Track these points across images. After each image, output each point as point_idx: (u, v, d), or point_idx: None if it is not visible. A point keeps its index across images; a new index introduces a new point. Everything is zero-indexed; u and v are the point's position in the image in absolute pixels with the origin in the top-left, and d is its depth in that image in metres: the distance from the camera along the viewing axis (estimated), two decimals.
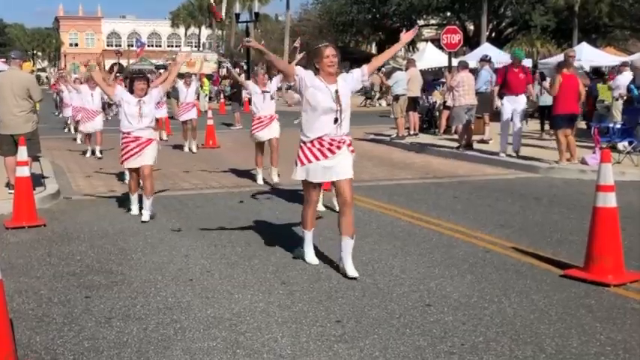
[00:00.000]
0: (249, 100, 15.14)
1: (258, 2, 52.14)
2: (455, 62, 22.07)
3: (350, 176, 6.55)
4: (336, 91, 6.42)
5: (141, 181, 9.54)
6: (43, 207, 9.69)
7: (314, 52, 6.60)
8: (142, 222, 8.93)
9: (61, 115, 24.04)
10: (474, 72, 18.71)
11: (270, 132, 12.01)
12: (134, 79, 9.48)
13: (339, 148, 6.51)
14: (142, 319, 5.35)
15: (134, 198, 9.59)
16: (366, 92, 37.29)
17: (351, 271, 6.35)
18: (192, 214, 9.49)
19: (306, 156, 6.55)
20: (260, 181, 12.16)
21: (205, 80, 33.95)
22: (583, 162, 12.99)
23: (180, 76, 17.28)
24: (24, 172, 8.95)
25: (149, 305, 5.67)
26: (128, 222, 8.95)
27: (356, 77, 6.70)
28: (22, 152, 9.04)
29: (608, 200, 6.22)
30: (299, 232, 8.31)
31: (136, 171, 9.44)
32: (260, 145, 12.18)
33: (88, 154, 16.71)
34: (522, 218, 9.08)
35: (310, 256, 6.89)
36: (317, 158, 6.51)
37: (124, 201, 10.14)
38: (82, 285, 6.25)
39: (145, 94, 9.33)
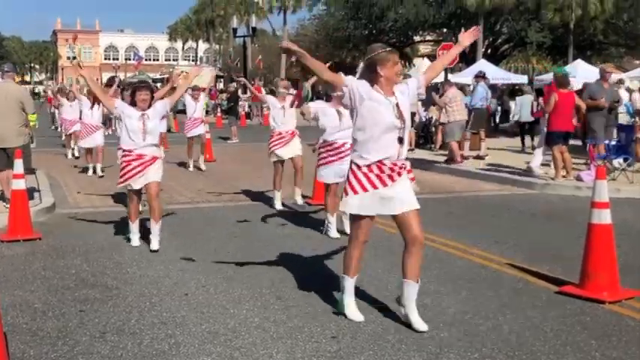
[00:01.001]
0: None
1: (256, 17, 52.27)
2: (451, 78, 22.19)
3: (417, 207, 5.48)
4: (397, 105, 5.42)
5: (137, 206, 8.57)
6: (39, 220, 9.67)
7: (376, 58, 5.44)
8: (152, 251, 8.05)
9: (59, 130, 23.43)
10: (463, 89, 18.81)
11: (292, 150, 11.02)
12: (136, 89, 8.33)
13: (399, 174, 5.45)
14: (137, 334, 5.33)
15: (135, 226, 8.46)
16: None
17: (420, 323, 5.38)
18: (188, 229, 9.48)
19: (361, 183, 5.42)
20: (279, 205, 11.03)
21: (202, 94, 34.03)
22: (578, 178, 13.02)
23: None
24: (20, 185, 8.94)
25: (144, 320, 5.66)
26: (124, 236, 8.93)
27: (412, 89, 5.68)
28: (19, 165, 9.03)
29: (603, 217, 6.23)
30: (295, 247, 8.32)
31: (137, 193, 8.39)
32: (280, 165, 11.08)
33: (90, 172, 15.48)
34: (518, 234, 9.08)
35: (352, 310, 5.67)
36: (374, 186, 5.41)
37: (120, 214, 10.12)
38: (77, 299, 6.23)
39: (149, 106, 8.24)
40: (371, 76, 5.44)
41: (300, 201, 11.14)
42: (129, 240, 8.44)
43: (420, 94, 5.85)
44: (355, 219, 5.59)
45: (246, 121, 36.66)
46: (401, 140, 5.42)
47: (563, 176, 13.13)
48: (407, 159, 5.61)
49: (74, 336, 5.29)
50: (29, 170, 11.54)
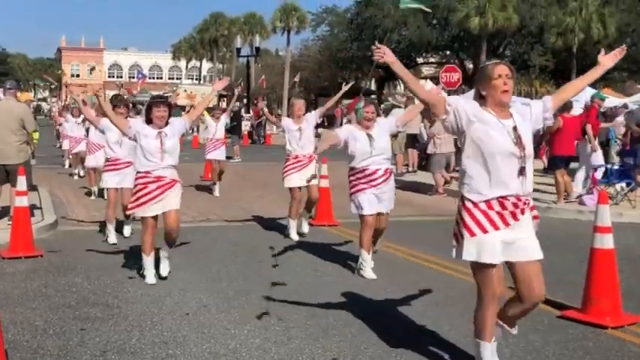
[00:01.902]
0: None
1: (259, 37, 52.59)
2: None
3: (541, 256, 4.63)
4: (514, 129, 4.55)
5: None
6: (41, 237, 9.67)
7: (479, 73, 4.78)
8: (162, 278, 7.57)
9: (61, 147, 22.89)
10: None
11: (306, 175, 10.24)
12: (152, 105, 7.52)
13: (522, 212, 4.59)
14: (138, 353, 5.32)
15: (149, 261, 7.54)
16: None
17: None
18: (190, 248, 9.46)
19: (479, 223, 4.52)
20: (294, 235, 10.25)
21: (205, 113, 34.00)
22: (581, 202, 13.02)
23: (209, 110, 15.40)
24: (22, 202, 8.95)
25: (145, 339, 5.64)
26: (125, 254, 8.93)
27: (536, 113, 4.80)
28: (22, 182, 9.05)
29: (606, 241, 6.23)
30: (298, 268, 8.31)
31: (153, 221, 7.49)
32: (297, 190, 10.33)
33: (93, 197, 14.45)
34: None
35: None
36: (496, 227, 4.50)
37: (121, 233, 10.11)
38: (78, 317, 6.22)
39: (167, 123, 7.49)
40: (477, 96, 4.71)
41: (293, 234, 10.31)
42: (143, 277, 7.54)
43: (547, 118, 4.96)
44: (478, 270, 4.68)
45: (248, 140, 36.76)
46: (522, 171, 4.56)
47: (565, 199, 13.14)
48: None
49: (75, 354, 5.28)
50: (31, 187, 11.55)
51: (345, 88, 10.96)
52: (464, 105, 4.61)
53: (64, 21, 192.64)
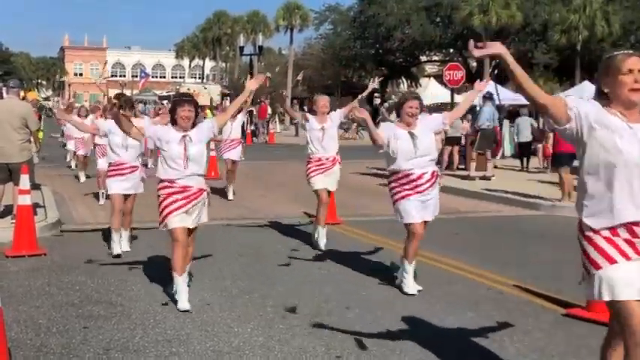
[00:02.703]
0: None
1: (262, 36, 52.57)
2: (457, 98, 22.16)
3: None
4: None
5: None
6: (44, 236, 9.66)
7: (604, 64, 3.93)
8: (183, 311, 6.35)
9: (65, 147, 22.22)
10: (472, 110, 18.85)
11: (332, 181, 9.50)
12: (176, 105, 6.62)
13: None
14: (141, 351, 5.31)
15: (182, 283, 6.53)
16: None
17: None
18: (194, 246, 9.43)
19: (604, 254, 3.64)
20: (322, 245, 9.28)
21: (208, 112, 33.71)
22: None
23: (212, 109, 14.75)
24: (25, 200, 8.94)
25: (148, 337, 5.63)
26: (128, 252, 8.91)
27: None
28: (25, 181, 9.04)
29: None
30: (301, 267, 8.30)
31: (184, 235, 6.59)
32: (325, 193, 9.37)
33: (102, 201, 13.50)
34: (524, 256, 9.05)
35: None
36: (627, 257, 3.61)
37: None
38: (81, 315, 6.21)
39: (193, 125, 6.64)
40: (598, 95, 3.89)
41: (322, 244, 9.31)
42: (175, 301, 6.48)
43: None
44: (615, 310, 3.69)
45: (251, 139, 36.76)
46: None
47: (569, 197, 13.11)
48: None
49: (78, 352, 5.27)
50: (34, 186, 11.55)
51: (372, 84, 10.60)
52: (585, 108, 3.74)
53: (66, 20, 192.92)
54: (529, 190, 14.74)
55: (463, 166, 19.19)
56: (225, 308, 6.48)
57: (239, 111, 15.57)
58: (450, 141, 19.21)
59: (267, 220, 11.71)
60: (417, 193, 6.95)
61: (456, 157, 19.58)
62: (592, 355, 5.30)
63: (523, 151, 20.73)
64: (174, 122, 6.60)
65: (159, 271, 7.91)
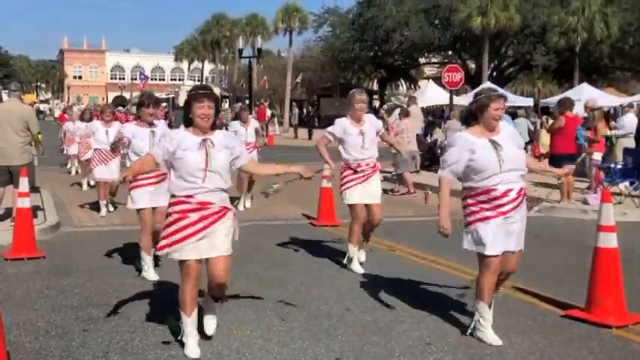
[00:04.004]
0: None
1: (261, 38, 52.59)
2: (456, 100, 22.23)
3: None
4: None
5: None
6: (43, 239, 9.66)
7: None
8: (208, 338, 5.61)
9: (65, 152, 21.48)
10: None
11: (372, 192, 8.16)
12: (193, 98, 5.26)
13: None
14: (140, 354, 5.31)
15: (190, 325, 5.38)
16: None
17: None
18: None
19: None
20: (358, 268, 8.19)
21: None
22: (585, 202, 12.99)
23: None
24: (24, 203, 8.95)
25: (147, 340, 5.63)
26: (128, 255, 8.91)
27: None
28: (24, 183, 9.04)
29: (610, 241, 6.20)
30: (300, 269, 8.29)
31: (195, 267, 5.28)
32: (362, 209, 8.16)
33: (103, 212, 12.49)
34: (523, 257, 9.02)
35: None
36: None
37: (124, 235, 10.09)
38: (80, 318, 6.21)
39: (213, 126, 5.32)
40: None
41: (359, 268, 8.16)
42: (182, 344, 5.42)
43: None
44: None
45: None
46: None
47: (568, 198, 13.11)
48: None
49: (77, 355, 5.27)
50: (33, 189, 11.55)
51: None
52: None
53: (66, 23, 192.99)
54: (527, 191, 14.71)
55: None
56: (224, 310, 6.46)
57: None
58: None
59: (265, 221, 11.71)
60: (500, 214, 5.63)
61: None
62: (591, 356, 5.31)
63: None
64: (188, 123, 5.29)
65: (158, 273, 7.91)
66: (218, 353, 5.33)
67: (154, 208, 7.76)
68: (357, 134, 8.00)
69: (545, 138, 20.15)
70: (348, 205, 8.17)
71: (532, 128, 20.27)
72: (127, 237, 9.83)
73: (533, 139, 20.03)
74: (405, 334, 5.81)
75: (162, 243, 5.24)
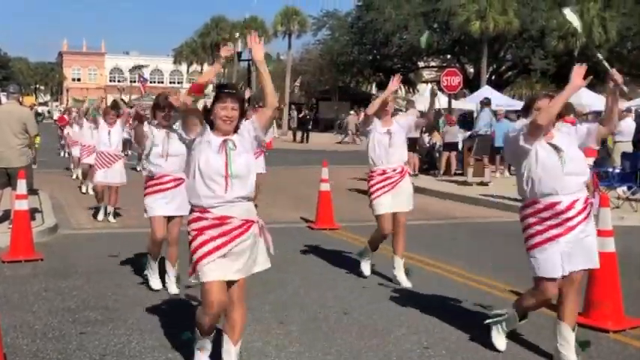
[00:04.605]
0: None
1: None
2: (455, 104, 22.22)
3: None
4: None
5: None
6: (41, 241, 9.65)
7: None
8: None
9: (65, 155, 20.84)
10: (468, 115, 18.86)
11: (403, 199, 7.67)
12: (214, 98, 4.68)
13: None
14: (137, 357, 5.30)
15: (205, 348, 4.89)
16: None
17: None
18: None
19: None
20: (367, 271, 8.02)
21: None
22: None
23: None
24: (22, 205, 8.94)
25: (144, 343, 5.62)
26: (125, 258, 8.91)
27: None
28: (22, 186, 9.04)
29: (607, 245, 6.20)
30: (299, 272, 8.29)
31: (218, 293, 4.59)
32: (388, 218, 7.66)
33: (101, 216, 12.02)
34: (521, 261, 9.00)
35: None
36: None
37: (122, 237, 10.08)
38: (78, 321, 6.20)
39: (236, 130, 4.69)
40: None
41: (404, 280, 7.68)
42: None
43: None
44: None
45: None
46: None
47: None
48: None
49: (74, 358, 5.27)
50: (31, 191, 11.53)
51: (392, 86, 7.71)
52: None
53: (65, 25, 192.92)
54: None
55: (460, 172, 19.20)
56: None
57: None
58: (447, 147, 19.28)
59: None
60: (568, 231, 4.96)
61: (454, 163, 19.59)
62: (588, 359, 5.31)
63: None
64: (210, 124, 4.69)
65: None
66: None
67: (170, 218, 7.20)
68: (384, 133, 7.59)
69: None
70: (375, 215, 7.71)
71: None
72: (125, 240, 9.83)
73: None
74: (403, 337, 5.81)
75: (195, 264, 4.60)
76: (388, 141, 7.56)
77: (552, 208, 4.96)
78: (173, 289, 7.18)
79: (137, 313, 6.45)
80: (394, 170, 7.60)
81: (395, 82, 7.66)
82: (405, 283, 7.60)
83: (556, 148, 5.01)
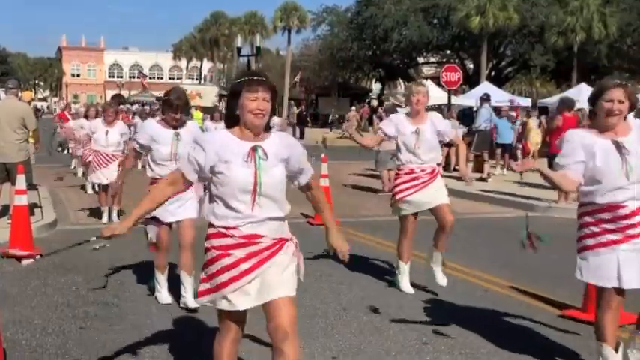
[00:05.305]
0: None
1: (260, 36, 52.55)
2: (454, 100, 22.23)
3: None
4: None
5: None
6: (40, 236, 9.65)
7: None
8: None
9: (63, 151, 20.74)
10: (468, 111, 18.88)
11: (437, 194, 7.07)
12: (243, 86, 3.75)
13: None
14: (136, 352, 5.30)
15: None
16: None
17: None
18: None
19: None
20: (407, 286, 7.26)
21: (198, 113, 30.38)
22: None
23: (208, 110, 11.29)
24: (22, 200, 8.94)
25: (143, 338, 5.63)
26: (125, 253, 8.91)
27: None
28: (21, 181, 9.04)
29: None
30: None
31: (239, 319, 4.04)
32: (412, 219, 7.20)
33: (104, 218, 11.54)
34: (520, 257, 9.01)
35: None
36: None
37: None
38: (77, 316, 6.21)
39: (268, 127, 3.88)
40: None
41: (441, 279, 7.18)
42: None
43: None
44: None
45: None
46: None
47: (565, 199, 13.11)
48: None
49: (74, 353, 5.27)
50: (31, 186, 11.52)
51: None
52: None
53: (64, 21, 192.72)
54: (525, 191, 14.74)
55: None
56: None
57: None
58: (446, 143, 19.24)
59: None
60: (629, 238, 4.45)
61: (453, 159, 19.60)
62: (588, 356, 5.31)
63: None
64: (232, 122, 3.84)
65: None
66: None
67: (177, 224, 6.63)
68: (411, 133, 6.97)
69: (535, 137, 20.24)
70: (399, 216, 7.22)
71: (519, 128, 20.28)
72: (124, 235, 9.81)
73: (521, 138, 20.13)
74: (402, 333, 5.82)
75: (202, 287, 3.95)
76: (416, 141, 6.96)
77: (614, 212, 4.46)
78: (191, 302, 6.34)
79: (136, 309, 6.46)
80: (423, 171, 7.01)
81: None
82: (441, 280, 7.11)
83: (619, 147, 4.43)
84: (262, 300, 3.84)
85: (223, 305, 3.85)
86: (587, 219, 4.56)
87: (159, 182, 4.15)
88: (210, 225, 3.85)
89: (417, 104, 6.97)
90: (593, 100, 4.55)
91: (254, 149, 3.71)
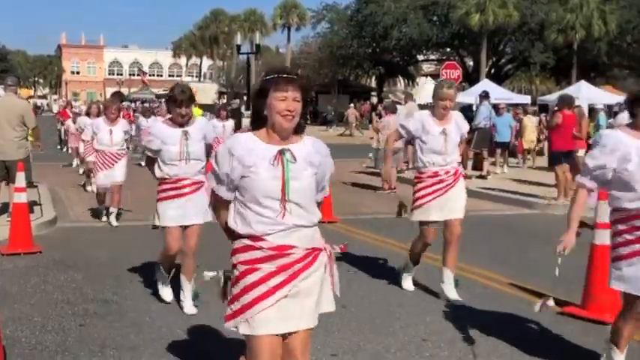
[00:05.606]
0: None
1: (260, 34, 52.59)
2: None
3: None
4: None
5: None
6: (40, 234, 9.65)
7: None
8: None
9: (66, 150, 20.87)
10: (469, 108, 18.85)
11: (455, 205, 6.84)
12: (269, 85, 3.40)
13: None
14: (136, 350, 5.31)
15: None
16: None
17: None
18: None
19: None
20: (409, 286, 7.21)
21: (198, 110, 30.13)
22: None
23: (208, 108, 11.18)
24: (21, 198, 8.94)
25: (143, 335, 5.63)
26: (124, 250, 8.91)
27: None
28: (21, 178, 9.04)
29: (606, 238, 6.19)
30: None
31: (271, 351, 3.41)
32: (430, 232, 6.92)
33: (104, 218, 11.13)
34: (519, 254, 9.05)
35: None
36: None
37: (121, 230, 10.07)
38: (77, 313, 6.21)
39: (301, 129, 3.50)
40: None
41: (454, 295, 6.75)
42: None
43: None
44: None
45: None
46: None
47: (565, 196, 13.10)
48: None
49: (73, 350, 5.27)
50: (30, 184, 11.52)
51: None
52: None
53: (64, 18, 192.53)
54: (524, 189, 14.74)
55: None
56: (221, 306, 6.44)
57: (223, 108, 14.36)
58: None
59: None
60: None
61: None
62: (587, 353, 5.32)
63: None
64: (259, 124, 3.49)
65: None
66: (214, 349, 5.33)
67: (185, 227, 6.36)
68: (439, 134, 6.60)
69: (530, 134, 20.24)
70: (419, 222, 6.89)
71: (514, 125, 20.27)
72: (124, 232, 9.84)
73: (518, 135, 20.15)
74: (402, 330, 5.82)
75: (229, 310, 3.54)
76: (443, 142, 6.59)
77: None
78: (190, 308, 6.24)
79: (136, 306, 6.46)
80: (447, 173, 6.68)
81: None
82: (455, 297, 6.70)
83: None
84: (292, 327, 3.43)
85: (253, 329, 3.39)
86: (620, 226, 4.38)
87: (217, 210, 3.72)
88: (236, 237, 3.53)
89: (444, 108, 6.63)
90: (633, 102, 4.36)
91: (281, 152, 3.37)
